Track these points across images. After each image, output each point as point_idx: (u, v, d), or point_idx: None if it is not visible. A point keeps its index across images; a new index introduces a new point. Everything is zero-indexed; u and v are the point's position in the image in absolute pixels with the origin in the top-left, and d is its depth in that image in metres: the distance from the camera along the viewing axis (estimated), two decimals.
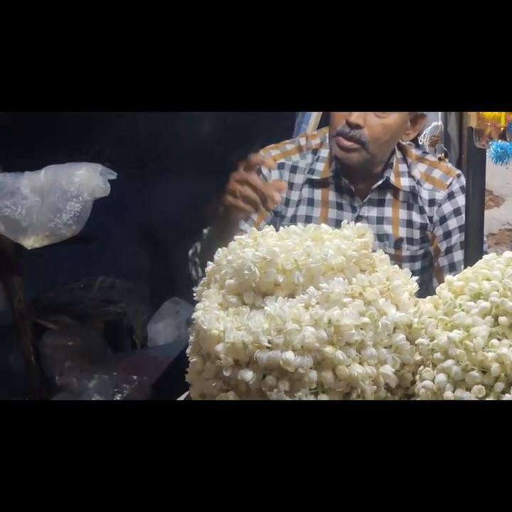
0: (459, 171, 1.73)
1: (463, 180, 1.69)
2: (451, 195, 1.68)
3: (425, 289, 1.30)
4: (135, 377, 2.38)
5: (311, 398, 0.91)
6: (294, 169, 1.72)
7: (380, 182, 1.67)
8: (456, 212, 1.67)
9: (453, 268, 1.65)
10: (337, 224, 1.07)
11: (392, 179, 1.67)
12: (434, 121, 1.35)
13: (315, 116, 2.11)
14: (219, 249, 1.06)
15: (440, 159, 1.42)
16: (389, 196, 1.69)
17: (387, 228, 1.68)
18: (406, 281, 1.02)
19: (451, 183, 1.69)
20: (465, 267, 1.06)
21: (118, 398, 2.34)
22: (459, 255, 1.65)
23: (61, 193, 1.99)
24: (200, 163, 3.25)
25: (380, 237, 1.67)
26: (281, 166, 1.72)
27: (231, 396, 0.94)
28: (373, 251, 1.04)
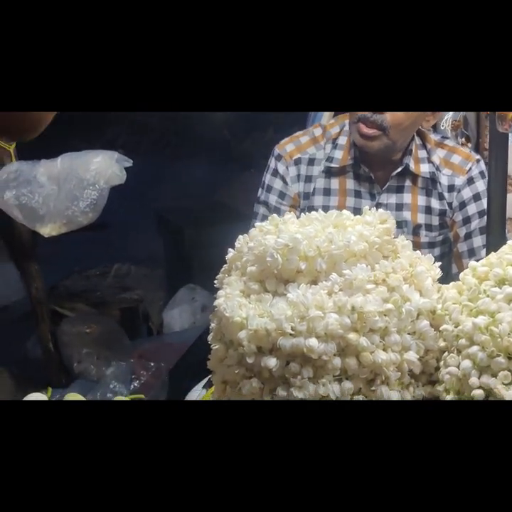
0: (478, 156, 1.71)
1: (482, 165, 1.67)
2: (470, 181, 1.67)
3: (445, 275, 1.29)
4: (152, 364, 2.39)
5: (335, 385, 0.90)
6: (311, 162, 1.71)
7: (399, 169, 1.66)
8: (476, 197, 1.66)
9: (472, 254, 1.64)
10: (355, 212, 1.07)
11: (412, 166, 1.66)
12: None
13: None
14: (240, 237, 1.05)
15: (462, 144, 1.40)
16: (408, 183, 1.68)
17: (406, 215, 1.67)
18: (429, 267, 1.02)
19: (470, 169, 1.67)
20: (488, 252, 1.05)
21: (135, 385, 2.35)
22: (478, 241, 1.64)
23: (77, 181, 1.99)
24: (214, 149, 3.25)
25: (399, 224, 1.66)
26: (297, 162, 1.71)
27: (254, 383, 0.94)
28: (394, 237, 1.03)
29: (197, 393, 1.43)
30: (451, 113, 1.30)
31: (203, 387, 1.43)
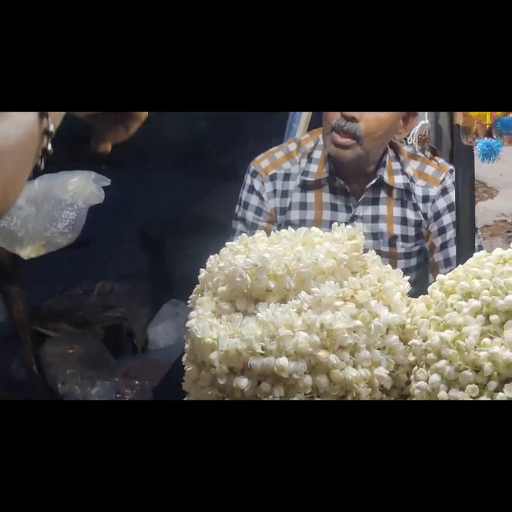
0: (451, 166, 1.73)
1: None
2: (444, 191, 1.69)
3: (421, 285, 1.30)
4: (137, 382, 2.38)
5: None
6: (286, 177, 1.72)
7: (374, 181, 1.67)
8: (450, 207, 1.68)
9: (448, 263, 1.65)
10: (332, 225, 1.08)
11: (386, 178, 1.68)
12: (422, 120, 1.35)
13: (306, 116, 2.11)
14: (211, 257, 1.06)
15: (430, 158, 1.42)
16: (383, 194, 1.69)
17: (382, 226, 1.69)
18: (398, 281, 1.02)
19: (444, 179, 1.69)
20: (457, 263, 1.06)
21: None
22: (454, 250, 1.65)
23: (56, 202, 1.99)
24: (194, 161, 3.25)
25: (375, 236, 1.67)
26: (273, 177, 1.72)
27: None
28: (365, 251, 1.04)
29: None
30: (417, 127, 1.32)
31: None
